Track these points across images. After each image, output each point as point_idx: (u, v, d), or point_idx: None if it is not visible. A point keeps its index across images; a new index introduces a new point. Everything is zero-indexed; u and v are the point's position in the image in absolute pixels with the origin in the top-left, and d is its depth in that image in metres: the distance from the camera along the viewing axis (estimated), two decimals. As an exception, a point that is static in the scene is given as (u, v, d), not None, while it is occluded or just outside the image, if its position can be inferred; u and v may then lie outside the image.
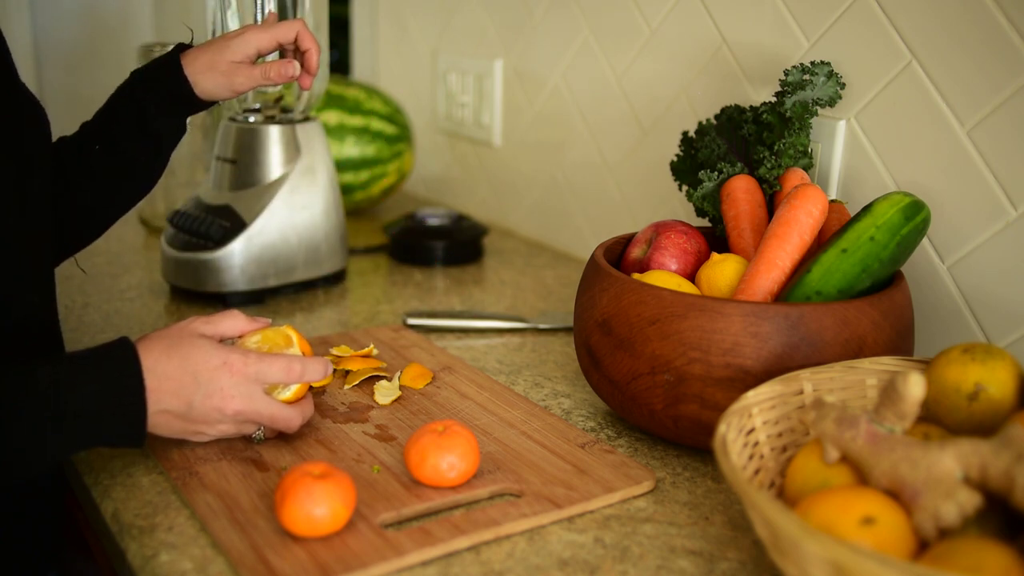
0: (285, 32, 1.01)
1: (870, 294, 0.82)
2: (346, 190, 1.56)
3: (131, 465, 0.80)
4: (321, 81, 1.24)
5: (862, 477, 0.63)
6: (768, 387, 0.71)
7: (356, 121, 1.55)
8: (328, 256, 1.27)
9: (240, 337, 0.82)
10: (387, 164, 1.59)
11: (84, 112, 1.01)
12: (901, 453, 0.60)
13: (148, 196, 1.09)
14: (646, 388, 0.81)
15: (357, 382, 0.95)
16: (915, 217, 0.84)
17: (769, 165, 0.96)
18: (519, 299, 1.27)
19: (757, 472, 0.70)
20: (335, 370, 0.98)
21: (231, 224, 1.18)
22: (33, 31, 2.19)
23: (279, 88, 1.21)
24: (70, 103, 2.10)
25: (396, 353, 1.04)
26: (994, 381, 0.67)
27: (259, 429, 0.81)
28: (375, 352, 1.03)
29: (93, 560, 0.97)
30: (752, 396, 0.70)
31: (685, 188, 1.08)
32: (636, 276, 0.88)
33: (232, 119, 1.23)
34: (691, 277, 0.94)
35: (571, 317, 1.15)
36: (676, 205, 1.27)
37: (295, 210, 1.21)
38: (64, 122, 1.04)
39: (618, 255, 0.98)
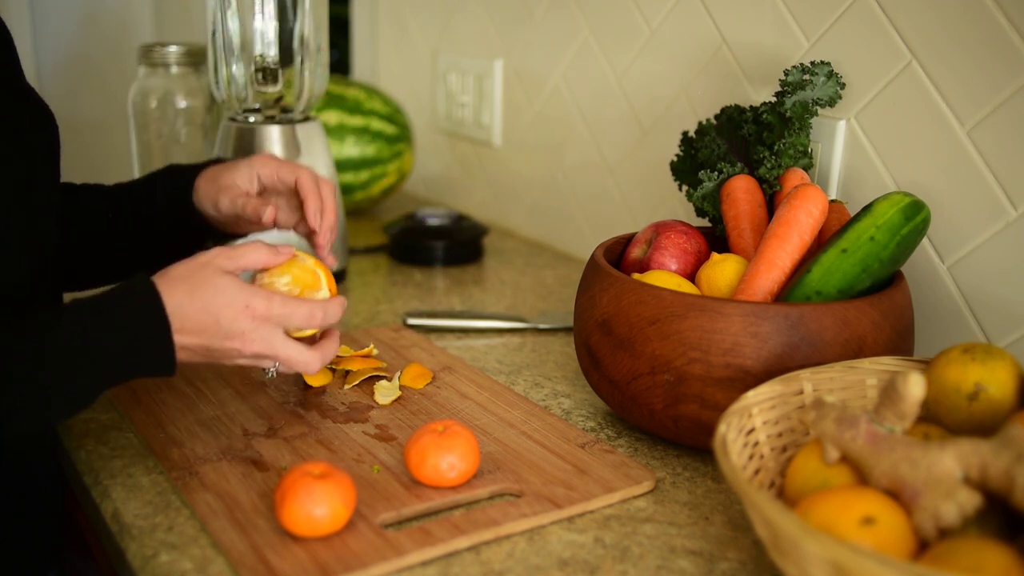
0: (287, 170, 0.93)
1: (870, 294, 0.82)
2: (346, 190, 1.56)
3: (131, 465, 0.81)
4: (321, 81, 1.24)
5: (862, 477, 0.63)
6: (768, 387, 0.71)
7: (356, 121, 1.55)
8: (328, 256, 1.26)
9: (265, 271, 0.82)
10: (387, 164, 1.59)
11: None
12: (901, 453, 0.60)
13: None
14: (646, 388, 0.81)
15: (357, 382, 0.95)
16: (915, 217, 0.84)
17: (769, 165, 0.96)
18: (519, 299, 1.27)
19: (757, 472, 0.70)
20: (335, 370, 0.98)
21: (231, 224, 1.18)
22: (33, 31, 2.19)
23: (279, 88, 1.21)
24: (70, 103, 2.11)
25: (396, 353, 1.04)
26: (994, 381, 0.67)
27: (275, 364, 0.80)
28: (375, 352, 1.03)
29: (93, 560, 0.97)
30: (752, 396, 0.70)
31: (685, 188, 1.08)
32: (636, 276, 0.88)
33: (232, 119, 1.23)
34: (691, 277, 0.94)
35: (571, 317, 1.15)
36: (676, 205, 1.27)
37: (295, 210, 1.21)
38: (65, 123, 1.04)
39: (618, 255, 0.98)
